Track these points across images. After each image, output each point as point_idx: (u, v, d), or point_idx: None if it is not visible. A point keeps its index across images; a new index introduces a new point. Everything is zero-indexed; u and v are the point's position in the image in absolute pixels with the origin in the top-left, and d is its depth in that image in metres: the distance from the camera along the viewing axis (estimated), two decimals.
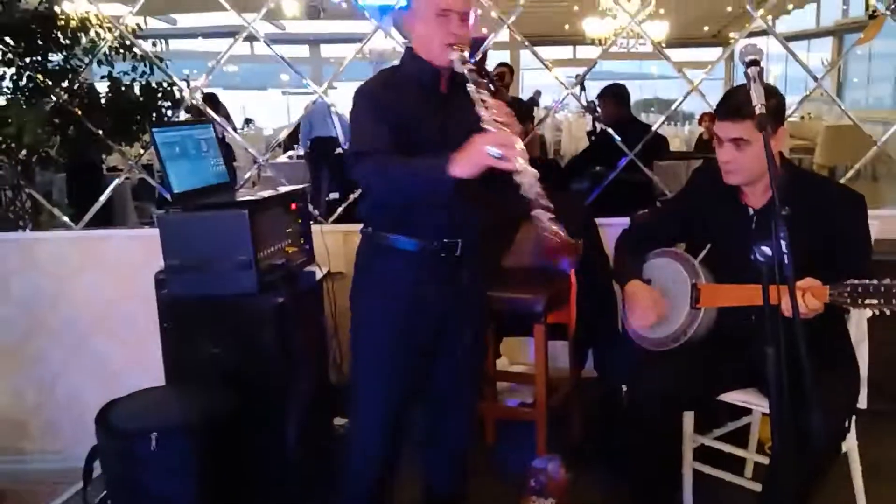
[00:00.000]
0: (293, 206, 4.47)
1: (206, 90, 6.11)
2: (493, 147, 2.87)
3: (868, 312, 3.09)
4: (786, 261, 2.48)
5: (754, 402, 3.55)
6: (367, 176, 3.20)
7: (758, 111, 2.67)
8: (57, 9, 5.34)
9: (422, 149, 3.11)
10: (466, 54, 3.18)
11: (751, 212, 3.49)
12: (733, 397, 3.59)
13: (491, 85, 3.11)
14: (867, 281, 2.98)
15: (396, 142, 3.13)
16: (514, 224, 4.98)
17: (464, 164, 2.91)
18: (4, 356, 5.13)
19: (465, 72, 3.14)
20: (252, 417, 3.87)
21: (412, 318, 3.39)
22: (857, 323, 3.59)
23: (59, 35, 5.35)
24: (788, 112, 3.54)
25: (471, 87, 3.11)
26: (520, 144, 2.90)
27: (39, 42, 5.30)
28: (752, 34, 6.15)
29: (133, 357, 5.21)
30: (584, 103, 6.86)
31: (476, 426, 3.90)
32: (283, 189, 4.59)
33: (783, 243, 2.47)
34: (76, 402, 5.26)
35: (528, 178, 2.89)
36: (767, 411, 3.10)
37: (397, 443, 3.56)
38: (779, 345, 2.53)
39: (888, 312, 2.97)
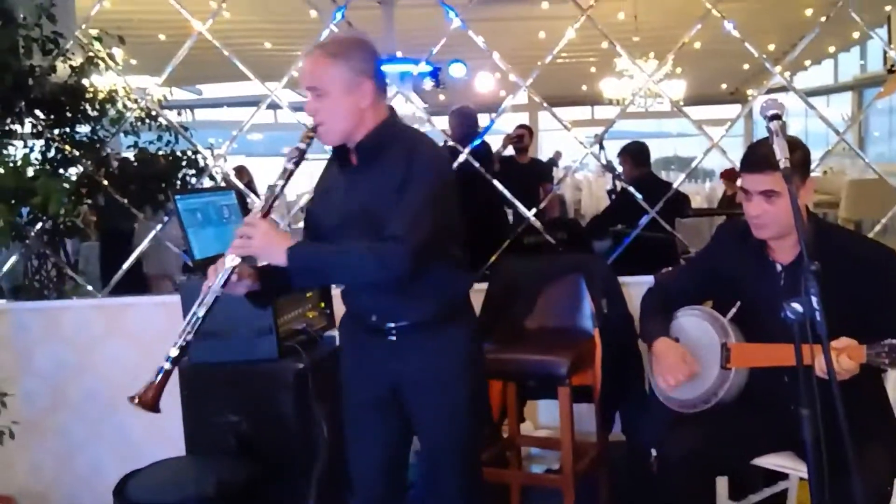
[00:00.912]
0: None
1: (231, 159, 6.13)
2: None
3: None
4: (818, 318, 2.40)
5: (791, 467, 3.46)
6: None
7: (782, 165, 2.62)
8: (86, 82, 5.53)
9: (320, 226, 3.26)
10: (300, 145, 3.07)
11: (779, 268, 3.42)
12: (768, 461, 3.49)
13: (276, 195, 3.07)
14: None
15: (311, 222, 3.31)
16: (534, 285, 4.94)
17: None
18: (27, 428, 5.08)
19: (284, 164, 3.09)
20: (270, 486, 3.84)
21: (358, 379, 3.40)
22: (895, 383, 3.50)
23: (88, 107, 5.55)
24: (812, 167, 3.47)
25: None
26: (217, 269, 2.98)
27: (68, 114, 5.45)
28: (770, 90, 6.13)
29: (153, 427, 5.12)
30: (604, 162, 6.84)
31: None
32: None
33: (814, 300, 2.40)
34: (96, 474, 5.24)
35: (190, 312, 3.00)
36: (805, 476, 3.00)
37: None
38: (815, 406, 2.45)
39: None
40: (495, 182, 5.89)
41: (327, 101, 3.06)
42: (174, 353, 2.99)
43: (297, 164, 3.04)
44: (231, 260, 2.95)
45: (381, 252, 2.97)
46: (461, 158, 5.70)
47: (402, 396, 3.33)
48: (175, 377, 4.24)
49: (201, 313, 2.96)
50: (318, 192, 3.27)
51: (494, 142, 7.98)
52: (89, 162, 5.45)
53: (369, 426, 3.41)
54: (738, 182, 3.41)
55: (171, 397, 4.40)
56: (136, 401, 2.95)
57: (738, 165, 3.60)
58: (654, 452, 3.67)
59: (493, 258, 5.54)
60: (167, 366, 2.99)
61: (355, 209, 3.13)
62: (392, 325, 3.23)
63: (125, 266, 5.59)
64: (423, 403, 3.31)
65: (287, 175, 3.03)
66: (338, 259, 3.07)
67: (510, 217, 6.95)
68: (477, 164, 5.79)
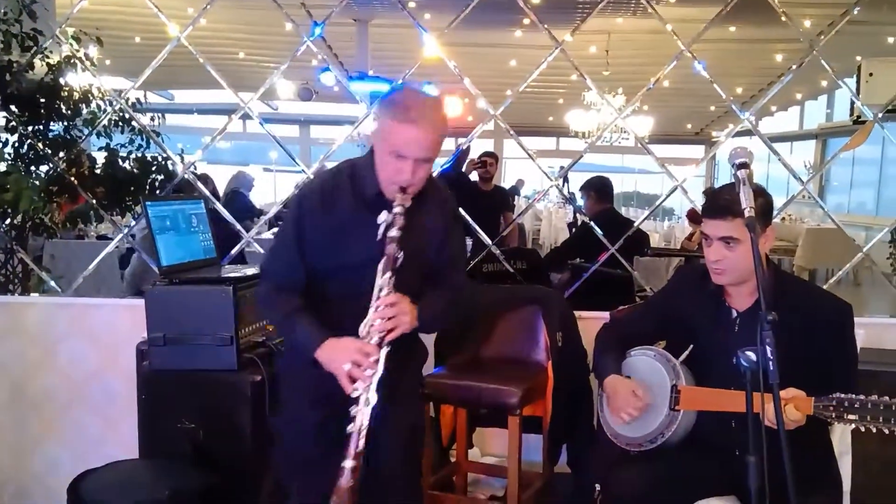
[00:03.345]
0: None
1: (197, 166, 6.12)
2: (348, 365, 3.07)
3: (851, 426, 3.03)
4: (770, 367, 2.44)
5: None
6: (257, 299, 3.49)
7: (746, 214, 2.67)
8: (62, 80, 5.54)
9: (342, 269, 3.24)
10: (400, 208, 3.13)
11: (734, 314, 3.44)
12: None
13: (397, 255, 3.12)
14: (853, 396, 2.96)
15: (314, 263, 3.26)
16: (491, 314, 4.96)
17: (325, 361, 3.17)
18: None
19: (389, 229, 3.12)
20: (223, 496, 3.84)
21: (319, 415, 3.40)
22: (841, 435, 3.53)
23: (62, 106, 5.55)
24: (773, 213, 3.51)
25: (388, 250, 3.11)
26: (374, 358, 3.06)
27: (42, 111, 5.47)
28: (735, 134, 6.20)
29: (109, 428, 5.20)
30: (567, 195, 6.87)
31: None
32: None
33: (768, 349, 2.44)
34: (51, 470, 5.24)
35: (360, 406, 3.06)
36: None
37: None
38: (761, 454, 2.49)
39: (873, 430, 2.93)
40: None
41: (428, 166, 3.21)
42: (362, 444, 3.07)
43: (402, 229, 3.12)
44: (386, 346, 3.10)
45: (468, 299, 3.45)
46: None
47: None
48: (133, 381, 4.28)
49: (374, 400, 3.07)
50: (328, 228, 3.25)
51: None
52: (62, 160, 5.48)
53: (318, 450, 3.42)
54: (702, 226, 3.44)
55: (128, 401, 4.43)
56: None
57: (699, 206, 3.63)
58: (597, 487, 3.70)
59: None
60: (353, 463, 3.05)
61: (406, 249, 3.16)
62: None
63: (91, 266, 5.62)
64: (386, 407, 3.32)
65: (400, 242, 3.11)
66: (447, 310, 3.36)
67: (469, 243, 6.98)
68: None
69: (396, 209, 3.11)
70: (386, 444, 3.41)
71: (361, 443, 3.03)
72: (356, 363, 3.05)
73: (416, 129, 3.09)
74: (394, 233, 3.09)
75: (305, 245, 3.28)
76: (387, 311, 3.07)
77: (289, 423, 3.51)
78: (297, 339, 3.28)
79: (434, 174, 3.44)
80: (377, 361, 3.04)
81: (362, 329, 3.10)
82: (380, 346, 3.07)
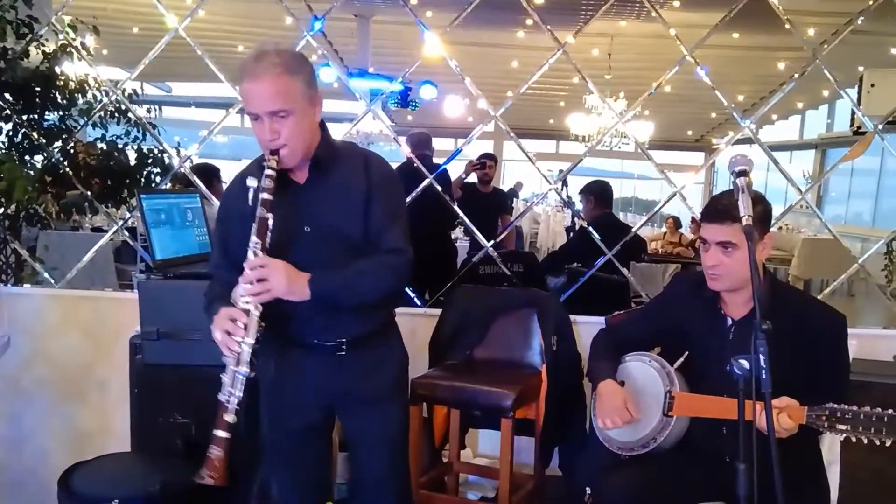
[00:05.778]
0: None
1: (194, 160, 6.08)
2: (217, 332, 2.94)
3: (842, 436, 3.03)
4: (763, 376, 2.44)
5: None
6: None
7: (745, 221, 2.66)
8: (58, 69, 5.52)
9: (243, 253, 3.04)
10: (270, 172, 2.95)
11: (729, 322, 3.44)
12: None
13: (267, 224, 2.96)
14: (846, 406, 2.95)
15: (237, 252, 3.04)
16: (487, 316, 4.95)
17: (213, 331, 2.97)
18: None
19: (260, 195, 2.94)
20: (213, 491, 3.83)
21: (289, 405, 3.38)
22: (830, 444, 3.54)
23: (57, 95, 5.52)
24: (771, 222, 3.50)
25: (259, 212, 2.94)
26: (241, 322, 2.90)
27: (37, 100, 5.45)
28: (735, 142, 6.18)
29: (102, 421, 5.20)
30: (566, 199, 6.86)
31: None
32: None
33: (762, 358, 2.43)
34: (43, 462, 5.21)
35: (229, 373, 2.95)
36: None
37: None
38: (751, 462, 2.48)
39: (864, 440, 2.93)
40: (457, 209, 5.90)
41: (290, 120, 2.96)
42: (230, 419, 2.97)
43: (273, 192, 2.93)
44: (256, 309, 2.91)
45: (394, 265, 3.05)
46: (425, 183, 5.71)
47: (340, 413, 3.38)
48: (126, 374, 4.27)
49: (244, 371, 2.93)
50: (234, 218, 3.13)
51: (459, 167, 7.94)
52: (56, 150, 5.47)
53: (296, 452, 3.43)
54: (700, 231, 3.44)
55: (121, 394, 4.42)
56: (212, 482, 2.98)
57: (697, 213, 3.62)
58: (588, 491, 3.69)
59: (449, 285, 5.55)
60: (225, 434, 2.98)
61: (316, 225, 3.08)
62: (343, 339, 3.21)
63: (86, 258, 5.60)
64: (363, 414, 3.34)
65: (270, 205, 2.93)
66: (356, 280, 3.05)
67: (467, 245, 6.95)
68: (440, 188, 5.79)
69: (267, 172, 2.93)
70: (366, 455, 3.42)
71: (230, 417, 2.96)
72: (226, 331, 2.91)
73: (252, 83, 2.95)
74: (265, 195, 2.91)
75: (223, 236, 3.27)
76: (250, 274, 2.89)
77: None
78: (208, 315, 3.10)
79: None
80: (246, 327, 2.88)
81: (233, 295, 2.96)
82: (247, 311, 2.90)
